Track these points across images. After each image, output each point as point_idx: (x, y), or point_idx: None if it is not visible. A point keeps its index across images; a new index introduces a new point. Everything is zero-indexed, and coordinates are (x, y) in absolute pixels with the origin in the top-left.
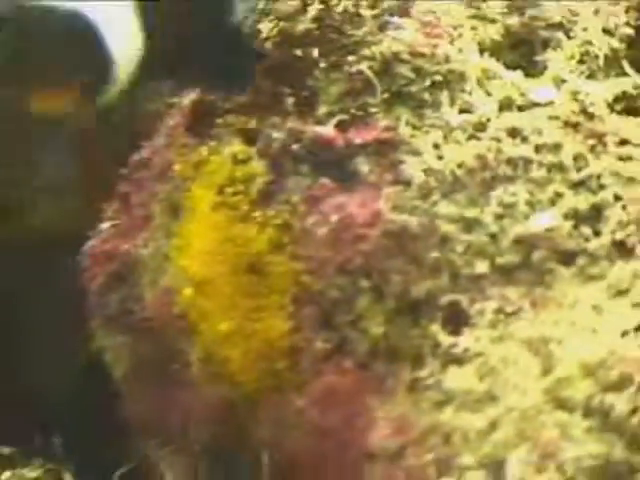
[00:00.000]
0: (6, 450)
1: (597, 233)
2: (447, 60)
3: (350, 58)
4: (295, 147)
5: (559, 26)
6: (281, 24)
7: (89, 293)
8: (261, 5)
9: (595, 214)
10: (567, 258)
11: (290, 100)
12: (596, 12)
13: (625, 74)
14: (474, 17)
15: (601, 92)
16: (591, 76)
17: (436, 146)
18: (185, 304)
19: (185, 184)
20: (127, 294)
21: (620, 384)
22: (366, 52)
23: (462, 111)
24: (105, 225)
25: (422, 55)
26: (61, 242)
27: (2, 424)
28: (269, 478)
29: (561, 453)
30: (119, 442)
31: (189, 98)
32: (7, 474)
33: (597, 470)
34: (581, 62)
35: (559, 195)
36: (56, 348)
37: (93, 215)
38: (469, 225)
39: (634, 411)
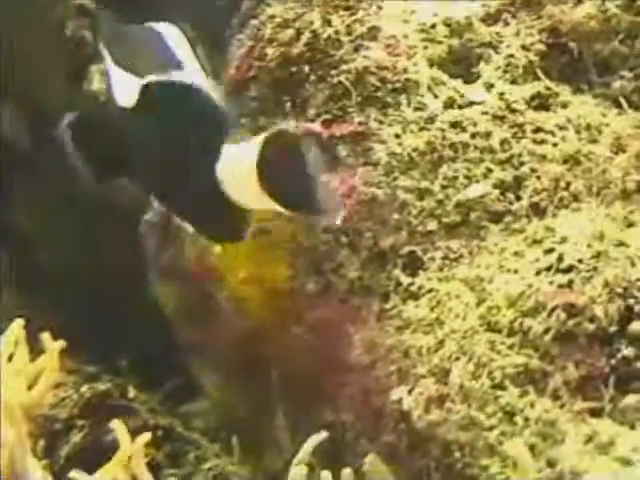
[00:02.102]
0: (91, 369)
1: (518, 198)
2: (405, 72)
3: (332, 72)
4: None
5: (489, 45)
6: (281, 49)
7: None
8: (267, 35)
9: (517, 184)
10: (496, 217)
11: (288, 105)
12: (517, 33)
13: (539, 79)
14: (425, 39)
15: (521, 93)
16: (513, 81)
17: (397, 136)
18: (215, 259)
19: None
20: (175, 253)
21: (535, 311)
22: (344, 67)
23: (416, 109)
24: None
25: (386, 68)
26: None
27: (89, 350)
28: (278, 388)
29: (491, 363)
30: (170, 362)
31: None
32: (85, 387)
33: (518, 376)
34: (505, 71)
35: (489, 170)
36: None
37: None
38: (422, 194)
39: (546, 331)
